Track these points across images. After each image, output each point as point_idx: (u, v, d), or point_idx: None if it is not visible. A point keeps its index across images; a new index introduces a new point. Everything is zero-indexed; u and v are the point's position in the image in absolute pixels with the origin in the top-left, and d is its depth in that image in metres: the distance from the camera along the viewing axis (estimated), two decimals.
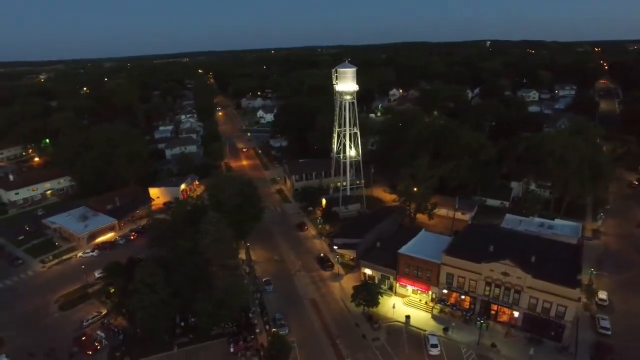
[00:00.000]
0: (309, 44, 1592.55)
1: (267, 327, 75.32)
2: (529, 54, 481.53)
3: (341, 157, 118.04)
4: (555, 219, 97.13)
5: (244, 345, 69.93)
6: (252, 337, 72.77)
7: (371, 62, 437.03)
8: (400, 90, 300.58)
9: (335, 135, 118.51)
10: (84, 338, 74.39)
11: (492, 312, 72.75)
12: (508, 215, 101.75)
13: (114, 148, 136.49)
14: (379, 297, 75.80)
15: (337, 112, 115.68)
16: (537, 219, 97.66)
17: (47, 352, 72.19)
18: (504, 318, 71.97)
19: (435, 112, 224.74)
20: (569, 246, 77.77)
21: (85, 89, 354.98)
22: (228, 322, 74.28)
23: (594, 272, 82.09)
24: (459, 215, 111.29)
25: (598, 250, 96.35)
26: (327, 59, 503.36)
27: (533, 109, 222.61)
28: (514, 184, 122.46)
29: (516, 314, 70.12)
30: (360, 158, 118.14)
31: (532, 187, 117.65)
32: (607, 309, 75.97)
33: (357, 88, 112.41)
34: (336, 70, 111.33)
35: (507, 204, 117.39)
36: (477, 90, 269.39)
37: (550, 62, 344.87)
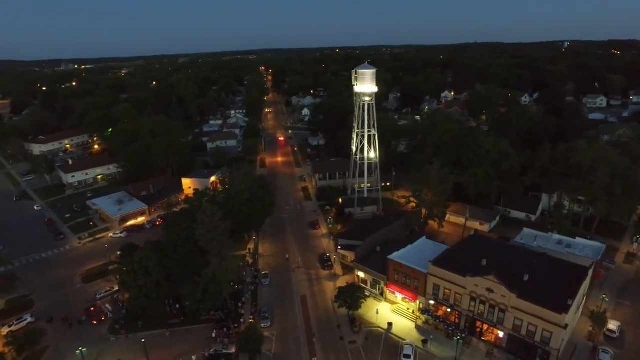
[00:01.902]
0: (377, 43, 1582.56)
1: (252, 318, 78.17)
2: (608, 56, 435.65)
3: (358, 158, 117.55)
4: (577, 238, 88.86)
5: (224, 333, 73.40)
6: (236, 325, 76.00)
7: (430, 63, 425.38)
8: (452, 93, 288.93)
9: (355, 137, 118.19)
10: (92, 309, 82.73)
11: (477, 329, 69.15)
12: (525, 230, 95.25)
13: (155, 138, 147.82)
14: (362, 301, 75.24)
15: (356, 113, 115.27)
16: (556, 236, 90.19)
17: (63, 317, 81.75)
18: (490, 337, 68.10)
19: (484, 117, 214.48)
20: (577, 268, 71.15)
21: (154, 82, 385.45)
22: (216, 309, 78.47)
23: (606, 299, 74.37)
24: (476, 225, 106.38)
25: (627, 276, 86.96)
26: (387, 59, 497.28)
27: (595, 116, 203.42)
28: (544, 197, 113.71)
29: (501, 334, 66.10)
30: (377, 160, 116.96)
31: (565, 201, 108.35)
32: (615, 342, 68.59)
33: (377, 89, 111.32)
34: (355, 72, 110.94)
35: (532, 217, 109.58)
36: (536, 95, 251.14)
37: (630, 64, 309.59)
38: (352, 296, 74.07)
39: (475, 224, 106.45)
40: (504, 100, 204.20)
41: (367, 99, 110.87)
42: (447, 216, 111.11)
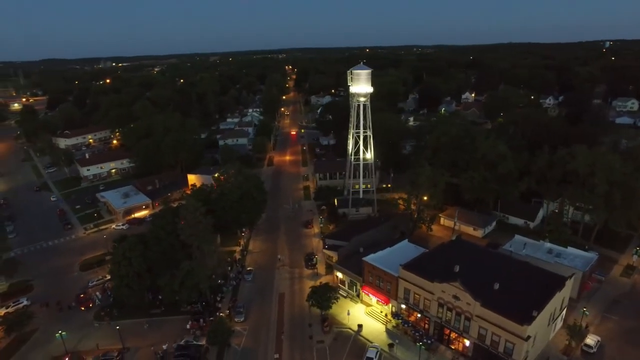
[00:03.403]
0: (409, 43, 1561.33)
1: (228, 312, 79.90)
2: None
3: (352, 159, 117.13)
4: (569, 247, 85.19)
5: (198, 325, 75.49)
6: (211, 318, 77.79)
7: (455, 63, 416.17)
8: (473, 94, 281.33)
9: (351, 137, 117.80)
10: (82, 295, 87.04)
11: (445, 336, 67.79)
12: (517, 237, 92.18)
13: (166, 135, 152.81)
14: (333, 301, 75.26)
15: (352, 113, 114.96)
16: (547, 245, 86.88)
17: (56, 302, 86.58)
18: (457, 345, 66.60)
19: (500, 120, 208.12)
20: (555, 278, 68.28)
21: (181, 80, 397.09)
22: (195, 301, 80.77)
23: (586, 312, 70.95)
24: (470, 230, 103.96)
25: (622, 289, 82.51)
26: (412, 59, 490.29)
27: (623, 120, 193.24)
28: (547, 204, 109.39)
29: (467, 342, 64.55)
30: (372, 161, 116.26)
31: (566, 208, 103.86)
32: (592, 358, 65.47)
33: (372, 90, 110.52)
34: (351, 72, 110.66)
35: (531, 224, 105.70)
36: (561, 98, 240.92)
37: None
38: (324, 296, 74.26)
39: (468, 229, 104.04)
40: (523, 102, 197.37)
41: (362, 99, 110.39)
42: (442, 220, 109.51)
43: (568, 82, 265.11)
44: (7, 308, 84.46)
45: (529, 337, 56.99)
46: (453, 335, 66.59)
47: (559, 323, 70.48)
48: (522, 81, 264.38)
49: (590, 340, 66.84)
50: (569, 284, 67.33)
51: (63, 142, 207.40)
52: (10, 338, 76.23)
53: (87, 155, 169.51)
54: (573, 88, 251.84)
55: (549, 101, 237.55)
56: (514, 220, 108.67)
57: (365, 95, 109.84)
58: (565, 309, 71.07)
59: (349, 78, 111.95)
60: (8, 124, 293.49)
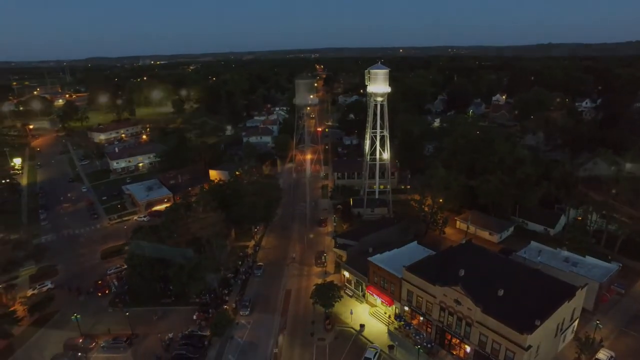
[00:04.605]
0: (445, 44, 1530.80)
1: (234, 305, 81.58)
2: None
3: (368, 159, 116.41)
4: (587, 257, 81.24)
5: (203, 316, 77.54)
6: (219, 310, 79.63)
7: (487, 64, 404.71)
8: (504, 96, 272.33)
9: (367, 137, 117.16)
10: (99, 282, 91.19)
11: (446, 341, 66.43)
12: (533, 243, 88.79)
13: (189, 132, 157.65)
14: (337, 300, 75.27)
15: (369, 113, 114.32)
16: (565, 253, 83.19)
17: (77, 287, 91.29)
18: (458, 351, 65.12)
19: (523, 123, 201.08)
20: (566, 287, 65.39)
21: (213, 79, 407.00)
22: (203, 293, 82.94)
23: (600, 325, 67.56)
24: (486, 235, 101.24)
25: None
26: (444, 61, 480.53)
27: None
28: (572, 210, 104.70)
29: (468, 348, 63.02)
30: (388, 162, 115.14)
31: (591, 215, 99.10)
32: None
33: (389, 90, 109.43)
34: (368, 72, 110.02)
35: (551, 230, 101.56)
36: (599, 101, 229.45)
37: None
38: (327, 294, 74.48)
39: (484, 234, 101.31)
40: (555, 105, 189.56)
41: (379, 99, 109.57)
42: (457, 223, 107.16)
43: (607, 85, 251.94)
44: (33, 290, 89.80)
45: (529, 346, 54.95)
46: (455, 340, 65.17)
47: (569, 335, 67.52)
48: (558, 83, 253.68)
49: (603, 355, 63.68)
50: (580, 294, 64.33)
51: (97, 137, 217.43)
52: (33, 318, 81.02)
53: (116, 149, 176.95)
54: (612, 91, 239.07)
55: (585, 104, 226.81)
56: (533, 226, 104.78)
57: (382, 95, 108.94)
58: (576, 321, 68.01)
59: (366, 77, 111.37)
60: (52, 119, 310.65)
